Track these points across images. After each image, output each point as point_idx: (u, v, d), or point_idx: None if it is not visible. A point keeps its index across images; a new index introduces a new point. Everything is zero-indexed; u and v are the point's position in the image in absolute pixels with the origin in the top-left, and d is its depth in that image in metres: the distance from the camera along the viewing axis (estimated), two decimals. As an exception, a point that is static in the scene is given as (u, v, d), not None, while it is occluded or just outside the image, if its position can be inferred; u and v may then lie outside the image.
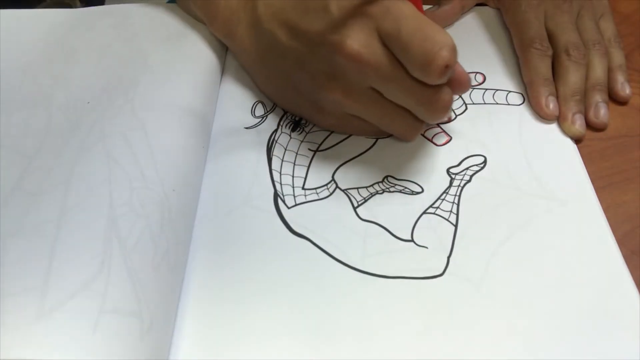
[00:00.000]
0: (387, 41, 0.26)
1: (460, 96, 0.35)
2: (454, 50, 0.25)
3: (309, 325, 0.25)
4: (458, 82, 0.28)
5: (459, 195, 0.30)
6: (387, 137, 0.33)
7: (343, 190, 0.30)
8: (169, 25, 0.35)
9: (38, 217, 0.24)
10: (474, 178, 0.31)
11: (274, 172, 0.31)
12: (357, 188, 0.30)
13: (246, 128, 0.33)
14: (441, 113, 0.28)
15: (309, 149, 0.32)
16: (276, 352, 0.24)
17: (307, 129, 0.33)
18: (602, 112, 0.34)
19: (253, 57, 0.33)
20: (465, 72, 0.28)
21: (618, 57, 0.36)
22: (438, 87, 0.27)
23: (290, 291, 0.26)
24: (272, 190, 0.30)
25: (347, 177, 0.31)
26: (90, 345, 0.20)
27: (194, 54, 0.33)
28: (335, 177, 0.31)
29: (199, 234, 0.28)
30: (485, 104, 0.35)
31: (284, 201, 0.29)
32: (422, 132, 0.33)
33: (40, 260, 0.22)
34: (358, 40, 0.26)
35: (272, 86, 0.33)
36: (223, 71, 0.36)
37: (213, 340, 0.24)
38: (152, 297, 0.23)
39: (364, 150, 0.32)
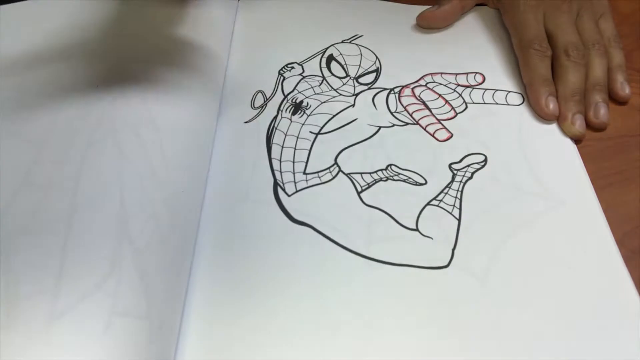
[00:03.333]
0: None
1: (461, 95, 0.35)
2: None
3: (314, 317, 0.24)
4: None
5: (461, 191, 0.30)
6: (390, 126, 0.33)
7: (346, 175, 0.30)
8: (180, 23, 0.34)
9: (48, 215, 0.23)
10: (475, 176, 0.30)
11: (273, 161, 0.30)
12: (361, 173, 0.30)
13: (245, 122, 0.33)
14: None
15: (311, 132, 0.32)
16: (281, 343, 0.24)
17: (308, 112, 0.33)
18: (601, 112, 0.34)
19: None
20: None
21: (618, 57, 0.36)
22: None
23: (295, 284, 0.26)
24: (272, 180, 0.29)
25: (350, 161, 0.30)
26: (101, 347, 0.20)
27: (201, 51, 0.33)
28: (338, 160, 0.30)
29: (204, 233, 0.27)
30: (485, 103, 0.35)
31: (284, 189, 0.29)
32: (424, 127, 0.33)
33: (51, 262, 0.22)
34: None
35: None
36: (227, 67, 0.36)
37: (219, 339, 0.24)
38: (162, 299, 0.22)
39: (367, 137, 0.32)
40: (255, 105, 0.33)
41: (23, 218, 0.23)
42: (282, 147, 0.31)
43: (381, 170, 0.30)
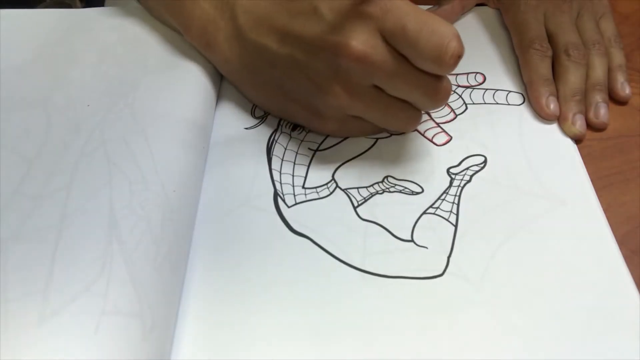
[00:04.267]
0: (392, 39, 0.26)
1: (461, 96, 0.35)
2: (460, 40, 0.26)
3: (310, 324, 0.25)
4: None
5: (459, 196, 0.30)
6: (388, 137, 0.33)
7: (343, 190, 0.30)
8: (169, 27, 0.35)
9: (39, 222, 0.24)
10: (474, 178, 0.31)
11: (274, 172, 0.31)
12: (357, 188, 0.30)
13: (246, 129, 0.33)
14: (445, 99, 0.29)
15: (309, 149, 0.32)
16: (277, 351, 0.24)
17: (307, 129, 0.33)
18: (602, 112, 0.34)
19: (237, 67, 0.32)
20: None
21: (618, 57, 0.36)
22: (441, 76, 0.28)
23: (290, 290, 0.26)
24: (272, 190, 0.30)
25: (347, 176, 0.31)
26: (92, 347, 0.20)
27: (195, 55, 0.33)
28: (336, 176, 0.31)
29: (200, 234, 0.28)
30: (485, 103, 0.35)
31: (284, 200, 0.29)
32: (422, 132, 0.33)
33: (41, 265, 0.22)
34: (362, 40, 0.26)
35: (263, 96, 0.33)
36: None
37: (214, 340, 0.24)
38: (154, 298, 0.23)
39: (364, 150, 0.32)
40: (256, 115, 0.34)
41: (14, 226, 0.24)
42: (282, 160, 0.31)
43: (377, 183, 0.30)
